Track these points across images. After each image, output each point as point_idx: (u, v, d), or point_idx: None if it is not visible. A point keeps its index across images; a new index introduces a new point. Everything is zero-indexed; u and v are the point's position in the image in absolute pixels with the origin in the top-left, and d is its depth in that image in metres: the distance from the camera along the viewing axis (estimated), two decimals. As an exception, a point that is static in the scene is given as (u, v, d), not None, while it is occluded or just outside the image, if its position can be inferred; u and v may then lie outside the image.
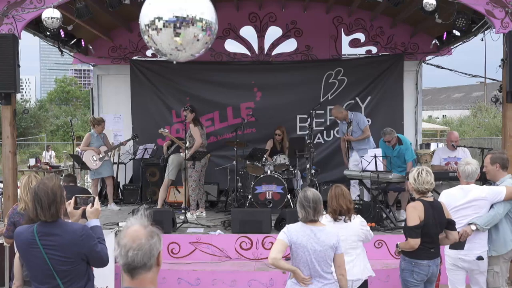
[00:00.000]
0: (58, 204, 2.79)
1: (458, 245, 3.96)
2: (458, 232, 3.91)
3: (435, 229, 3.79)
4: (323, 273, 3.30)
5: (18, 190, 3.99)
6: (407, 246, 3.76)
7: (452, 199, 4.02)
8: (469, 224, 3.94)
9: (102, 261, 2.91)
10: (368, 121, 8.88)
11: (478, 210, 3.97)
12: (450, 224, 3.85)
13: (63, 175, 7.69)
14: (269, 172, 7.46)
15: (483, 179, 5.09)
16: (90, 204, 2.98)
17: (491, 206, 4.01)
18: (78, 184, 8.27)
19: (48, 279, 2.76)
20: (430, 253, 3.78)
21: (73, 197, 3.00)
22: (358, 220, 3.87)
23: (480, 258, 3.96)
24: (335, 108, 7.62)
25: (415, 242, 3.69)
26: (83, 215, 3.02)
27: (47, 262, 2.74)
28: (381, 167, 6.38)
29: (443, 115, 42.58)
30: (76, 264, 2.79)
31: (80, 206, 2.99)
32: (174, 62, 4.23)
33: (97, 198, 3.04)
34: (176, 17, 3.74)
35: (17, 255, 3.41)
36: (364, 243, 3.96)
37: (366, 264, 3.91)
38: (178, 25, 3.75)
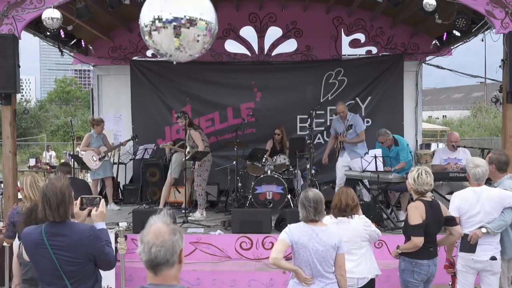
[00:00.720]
0: (67, 205, 2.80)
1: (470, 248, 3.95)
2: (469, 235, 3.93)
3: (434, 229, 3.82)
4: (325, 272, 3.30)
5: (20, 190, 3.99)
6: (410, 246, 3.75)
7: (465, 203, 4.00)
8: (480, 227, 3.94)
9: (109, 263, 2.91)
10: (368, 121, 8.90)
11: (490, 216, 3.96)
12: (451, 221, 3.86)
13: (58, 164, 7.66)
14: (269, 172, 7.46)
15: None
16: (96, 207, 2.98)
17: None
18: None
19: (56, 280, 2.76)
20: (429, 253, 3.80)
21: (79, 198, 3.00)
22: (361, 221, 3.89)
23: (493, 258, 3.95)
24: (342, 104, 7.53)
25: (420, 241, 3.69)
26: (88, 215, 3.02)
27: (55, 263, 2.73)
28: (381, 167, 6.39)
29: (443, 116, 42.59)
30: (84, 265, 2.78)
31: (86, 207, 2.99)
32: (174, 63, 4.23)
33: (103, 200, 3.03)
34: (176, 17, 3.74)
35: (15, 254, 3.41)
36: (371, 242, 3.99)
37: (373, 263, 3.93)
38: (178, 25, 3.75)
